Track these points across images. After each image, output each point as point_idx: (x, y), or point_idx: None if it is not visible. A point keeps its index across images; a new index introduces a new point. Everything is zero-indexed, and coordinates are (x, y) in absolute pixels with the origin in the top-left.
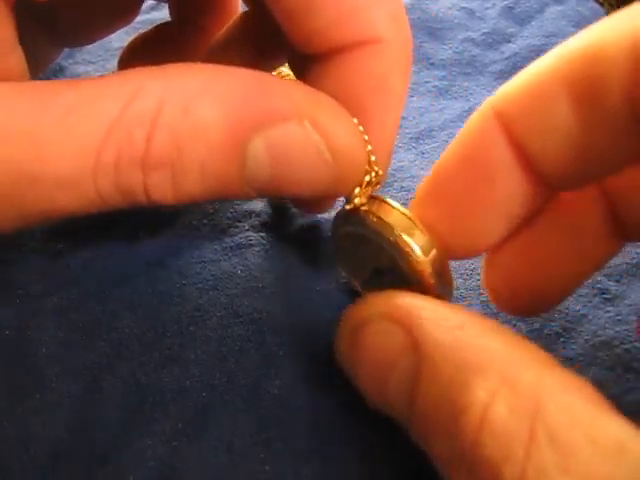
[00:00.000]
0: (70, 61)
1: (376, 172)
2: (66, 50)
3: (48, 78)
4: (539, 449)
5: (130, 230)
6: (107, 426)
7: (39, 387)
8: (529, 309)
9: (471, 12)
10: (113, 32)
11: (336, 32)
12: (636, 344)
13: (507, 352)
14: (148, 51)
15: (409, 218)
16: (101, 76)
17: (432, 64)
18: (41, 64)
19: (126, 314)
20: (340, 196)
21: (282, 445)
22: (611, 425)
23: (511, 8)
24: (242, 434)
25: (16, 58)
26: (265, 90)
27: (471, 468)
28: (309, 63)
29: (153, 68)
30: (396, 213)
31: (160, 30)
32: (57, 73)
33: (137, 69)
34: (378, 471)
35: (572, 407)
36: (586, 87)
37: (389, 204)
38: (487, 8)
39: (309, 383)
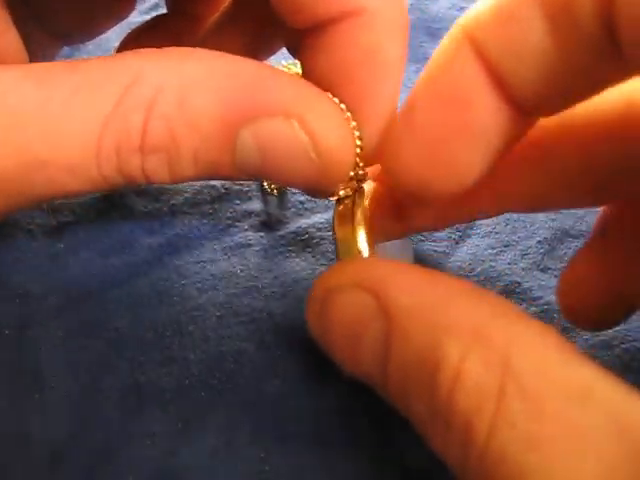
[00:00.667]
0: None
1: (362, 167)
2: (65, 49)
3: None
4: (508, 400)
5: (129, 230)
6: (107, 426)
7: (39, 387)
8: (601, 323)
9: None
10: (109, 28)
11: (322, 3)
12: (635, 344)
13: (476, 308)
14: (144, 44)
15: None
16: (104, 58)
17: None
18: (39, 61)
19: (125, 314)
20: (327, 190)
21: (281, 445)
22: (577, 370)
23: None
24: (241, 434)
25: (11, 37)
26: (258, 84)
27: (446, 424)
28: (302, 41)
29: (154, 51)
30: (356, 208)
31: (155, 22)
32: None
33: (139, 52)
34: (379, 471)
35: (539, 356)
36: (559, 6)
37: (358, 198)
38: None
39: (308, 383)
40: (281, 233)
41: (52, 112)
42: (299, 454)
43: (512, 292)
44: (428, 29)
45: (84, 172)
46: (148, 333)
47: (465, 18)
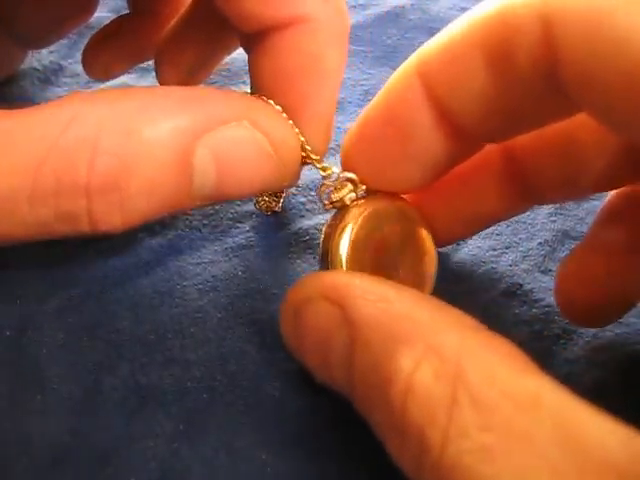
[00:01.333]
0: (70, 60)
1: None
2: (65, 50)
3: (48, 78)
4: (460, 410)
5: (130, 231)
6: (108, 427)
7: (40, 388)
8: (598, 320)
9: None
10: (72, 30)
11: (266, 10)
12: (636, 347)
13: (431, 319)
14: (110, 43)
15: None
16: (38, 105)
17: None
18: (6, 67)
19: (127, 315)
20: (282, 185)
21: (283, 446)
22: (528, 381)
23: None
24: (243, 435)
25: None
26: (202, 100)
27: (401, 434)
28: (251, 44)
29: (89, 93)
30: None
31: (119, 22)
32: (57, 72)
33: (72, 95)
34: (380, 472)
35: (491, 366)
36: (498, 50)
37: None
38: None
39: (310, 384)
40: (282, 234)
41: None
42: (300, 456)
43: (513, 294)
44: (429, 29)
45: (12, 212)
46: (149, 334)
47: (417, 54)
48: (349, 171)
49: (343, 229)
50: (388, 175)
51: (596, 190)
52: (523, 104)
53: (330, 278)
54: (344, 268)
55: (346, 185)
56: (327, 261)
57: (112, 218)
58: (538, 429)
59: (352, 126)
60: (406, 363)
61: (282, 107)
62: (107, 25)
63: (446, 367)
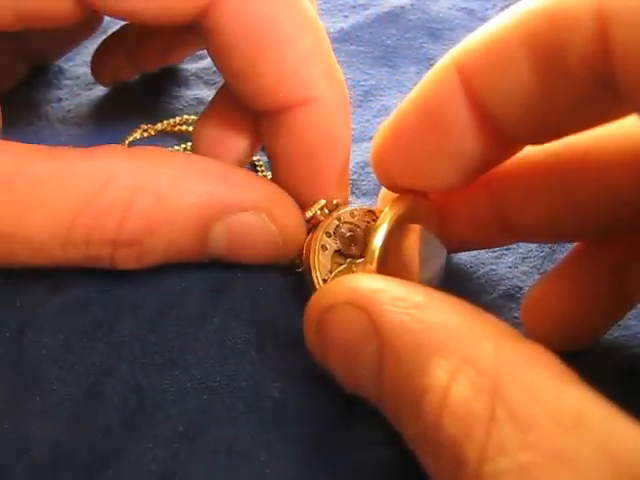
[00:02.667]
0: (70, 63)
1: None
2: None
3: (49, 80)
4: (499, 427)
5: None
6: (108, 429)
7: (39, 389)
8: (565, 344)
9: (472, 12)
10: (77, 45)
11: (278, 93)
12: (636, 350)
13: (465, 328)
14: (117, 50)
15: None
16: (81, 151)
17: (432, 65)
18: (8, 81)
19: (127, 316)
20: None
21: (283, 448)
22: (569, 395)
23: None
24: (243, 436)
25: None
26: (228, 182)
27: (436, 449)
28: (263, 119)
29: (128, 152)
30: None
31: (125, 29)
32: (58, 75)
33: (114, 150)
34: (381, 473)
35: (531, 380)
36: (546, 48)
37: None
38: (488, 9)
39: (310, 385)
40: None
41: (22, 194)
42: (301, 457)
43: (513, 296)
44: (429, 29)
45: (46, 252)
46: (149, 336)
47: (457, 50)
48: (379, 167)
49: (376, 231)
50: (420, 173)
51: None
52: (569, 105)
53: (355, 283)
54: (374, 266)
55: (318, 203)
56: (309, 269)
57: (130, 262)
58: (581, 448)
59: (385, 122)
60: (440, 375)
61: (302, 174)
62: (115, 32)
63: (483, 380)
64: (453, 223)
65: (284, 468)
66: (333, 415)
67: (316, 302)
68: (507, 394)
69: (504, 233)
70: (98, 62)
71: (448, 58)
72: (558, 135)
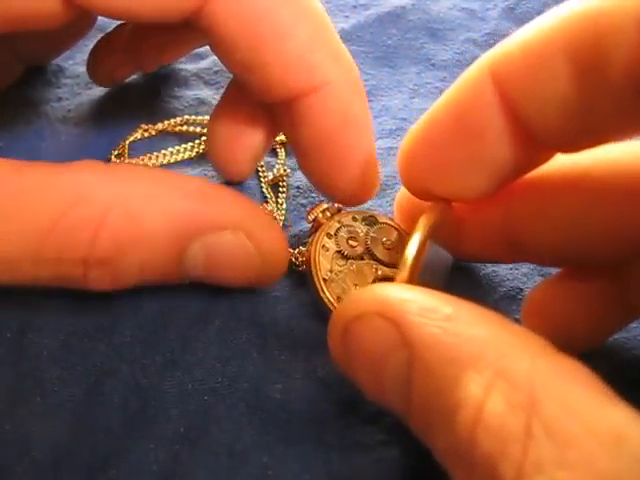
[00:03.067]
0: (70, 62)
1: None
2: (66, 51)
3: (49, 79)
4: (536, 444)
5: None
6: (109, 430)
7: (40, 390)
8: (566, 346)
9: (472, 13)
10: (71, 47)
11: (287, 82)
12: (635, 352)
13: (499, 341)
14: (113, 50)
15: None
16: (54, 166)
17: (433, 65)
18: (4, 79)
19: (128, 317)
20: (265, 285)
21: (284, 449)
22: (609, 414)
23: (512, 9)
24: (244, 438)
25: None
26: (205, 200)
27: (469, 465)
28: (279, 111)
29: (103, 168)
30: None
31: (121, 29)
32: (57, 74)
33: (87, 166)
34: (381, 474)
35: (568, 397)
36: (587, 54)
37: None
38: (488, 9)
39: (311, 386)
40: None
41: None
42: (302, 458)
43: (513, 298)
44: (429, 30)
45: (17, 270)
46: (150, 336)
47: (492, 54)
48: (407, 173)
49: (411, 239)
50: (450, 180)
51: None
52: (607, 113)
53: (383, 292)
54: (406, 274)
55: (320, 206)
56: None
57: (103, 283)
58: (622, 469)
59: (414, 127)
60: (474, 389)
61: (328, 161)
62: (110, 32)
63: (519, 395)
64: (463, 236)
65: (285, 469)
66: (334, 416)
67: (342, 311)
68: (544, 410)
69: (512, 252)
70: (95, 61)
71: (482, 62)
72: (593, 143)
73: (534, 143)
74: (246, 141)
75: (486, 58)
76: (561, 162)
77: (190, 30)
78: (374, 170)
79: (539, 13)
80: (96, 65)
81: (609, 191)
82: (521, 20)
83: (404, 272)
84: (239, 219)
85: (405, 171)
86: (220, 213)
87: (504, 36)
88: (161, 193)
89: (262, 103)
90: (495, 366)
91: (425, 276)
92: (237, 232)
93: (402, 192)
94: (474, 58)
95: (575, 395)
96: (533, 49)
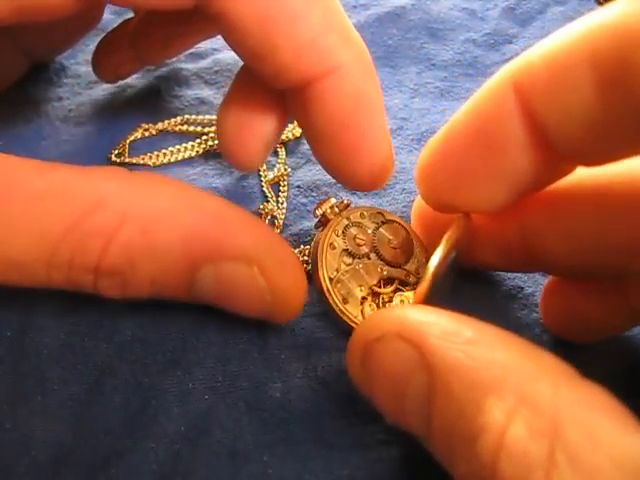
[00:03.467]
0: (72, 61)
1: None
2: (69, 50)
3: (50, 78)
4: (559, 472)
5: None
6: (109, 429)
7: (41, 389)
8: (581, 337)
9: (472, 13)
10: (77, 41)
11: (299, 67)
12: (635, 349)
13: (522, 366)
14: (118, 46)
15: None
16: (73, 169)
17: (433, 65)
18: (9, 77)
19: (128, 317)
20: (277, 321)
21: (285, 448)
22: (634, 443)
23: (512, 9)
24: (245, 437)
25: None
26: (222, 225)
27: None
28: (291, 97)
29: (122, 174)
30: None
31: (126, 25)
32: (59, 72)
33: (107, 171)
34: (382, 474)
35: (592, 425)
36: (611, 67)
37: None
38: (488, 9)
39: (312, 386)
40: (284, 235)
41: (9, 210)
42: (302, 457)
43: (514, 297)
44: (430, 30)
45: (31, 273)
46: (151, 336)
47: (514, 65)
48: (425, 185)
49: (435, 252)
50: (470, 193)
51: None
52: (631, 126)
53: (403, 314)
54: (427, 285)
55: (329, 201)
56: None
57: (113, 292)
58: None
59: (432, 139)
60: (497, 415)
61: (342, 146)
62: (115, 28)
63: (541, 422)
64: (478, 244)
65: (286, 468)
66: (334, 416)
67: (362, 332)
68: (567, 438)
69: (527, 263)
70: (100, 57)
71: (504, 73)
72: (614, 157)
73: (555, 155)
74: (257, 129)
75: (508, 69)
76: (581, 175)
77: (195, 23)
78: (389, 152)
79: (539, 13)
80: (101, 61)
81: (629, 207)
82: (521, 20)
83: (425, 284)
84: (255, 252)
85: (424, 184)
86: (236, 242)
87: (504, 36)
88: (178, 209)
89: (273, 89)
90: (517, 391)
91: (437, 284)
92: (251, 266)
93: (420, 201)
94: (474, 58)
95: (599, 423)
96: (556, 60)
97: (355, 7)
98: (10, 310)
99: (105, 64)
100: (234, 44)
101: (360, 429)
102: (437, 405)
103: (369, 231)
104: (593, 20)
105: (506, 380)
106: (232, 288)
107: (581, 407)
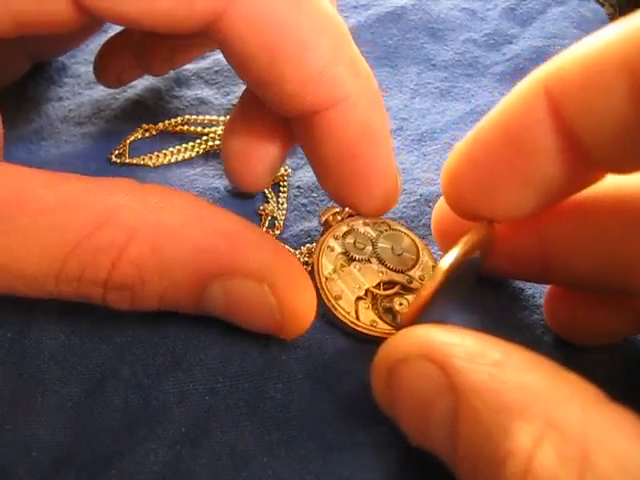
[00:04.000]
0: (72, 60)
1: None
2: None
3: (51, 77)
4: None
5: None
6: (110, 430)
7: (41, 390)
8: (586, 339)
9: (473, 13)
10: (80, 44)
11: (305, 97)
12: (637, 352)
13: (550, 389)
14: (121, 52)
15: None
16: (83, 181)
17: (434, 65)
18: (11, 76)
19: (129, 317)
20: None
21: (285, 449)
22: None
23: (513, 9)
24: (245, 438)
25: None
26: (234, 241)
27: None
28: (296, 124)
29: (135, 189)
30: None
31: (129, 32)
32: (60, 72)
33: (120, 184)
34: (382, 475)
35: (622, 451)
36: None
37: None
38: (489, 9)
39: (312, 387)
40: (284, 236)
41: (19, 224)
42: (302, 458)
43: (516, 299)
44: (430, 30)
45: (40, 286)
46: (152, 336)
47: (546, 70)
48: (451, 191)
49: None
50: (497, 200)
51: None
52: None
53: (428, 335)
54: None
55: (332, 209)
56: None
57: (122, 305)
58: None
59: (459, 144)
60: (524, 440)
61: (347, 176)
62: (118, 33)
63: (570, 447)
64: (496, 252)
65: (286, 469)
66: (335, 416)
67: (387, 352)
68: (597, 464)
69: (545, 274)
70: (103, 63)
71: (536, 77)
72: None
73: (586, 162)
74: (262, 153)
75: (539, 74)
76: (603, 184)
77: (201, 36)
78: (395, 182)
79: (539, 13)
80: (104, 67)
81: None
82: (521, 20)
83: (433, 282)
84: (266, 270)
85: (449, 190)
86: (247, 259)
87: (504, 36)
88: (189, 225)
89: (278, 115)
90: (545, 416)
91: (449, 286)
92: (261, 283)
93: (440, 207)
94: (474, 58)
95: (628, 449)
96: (590, 65)
97: (355, 7)
98: (11, 311)
99: (108, 69)
100: (239, 70)
101: (361, 430)
102: (462, 428)
103: (371, 237)
104: (627, 25)
105: (534, 403)
106: (242, 304)
107: (610, 432)
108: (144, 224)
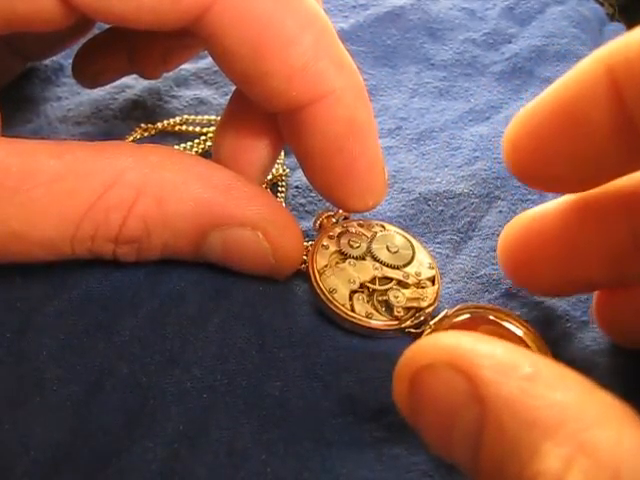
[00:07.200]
0: (70, 60)
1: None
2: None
3: (49, 77)
4: None
5: None
6: (108, 428)
7: (40, 390)
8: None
9: (472, 12)
10: (75, 43)
11: (290, 92)
12: (637, 349)
13: (583, 409)
14: (98, 54)
15: None
16: (89, 148)
17: (433, 65)
18: (5, 76)
19: (127, 316)
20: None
21: (283, 447)
22: None
23: (512, 8)
24: (243, 436)
25: None
26: (230, 196)
27: None
28: (283, 120)
29: (136, 149)
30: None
31: (108, 33)
32: (57, 72)
33: (122, 147)
34: (381, 473)
35: None
36: None
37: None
38: (488, 8)
39: (310, 384)
40: None
41: (33, 194)
42: (301, 456)
43: (514, 295)
44: (429, 29)
45: (56, 249)
46: (149, 335)
47: (608, 50)
48: (511, 159)
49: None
50: (552, 171)
51: None
52: None
53: (455, 342)
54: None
55: (326, 212)
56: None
57: (130, 257)
58: None
59: (519, 113)
60: (553, 463)
61: (334, 171)
62: (97, 35)
63: (603, 474)
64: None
65: (285, 467)
66: (333, 414)
67: (410, 358)
68: None
69: (567, 282)
70: (77, 65)
71: (597, 58)
72: None
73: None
74: (253, 156)
75: (601, 54)
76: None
77: (193, 37)
78: (381, 176)
79: (538, 13)
80: (80, 68)
81: None
82: (520, 19)
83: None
84: (259, 219)
85: (510, 156)
86: (242, 210)
87: (503, 35)
88: (189, 181)
89: (266, 113)
90: (578, 438)
91: None
92: (256, 231)
93: (506, 236)
94: (473, 58)
95: None
96: None
97: (354, 7)
98: (9, 311)
99: (84, 72)
100: (225, 67)
101: (359, 427)
102: (487, 441)
103: (366, 237)
104: None
105: (565, 423)
106: (238, 250)
107: None
108: (149, 182)
